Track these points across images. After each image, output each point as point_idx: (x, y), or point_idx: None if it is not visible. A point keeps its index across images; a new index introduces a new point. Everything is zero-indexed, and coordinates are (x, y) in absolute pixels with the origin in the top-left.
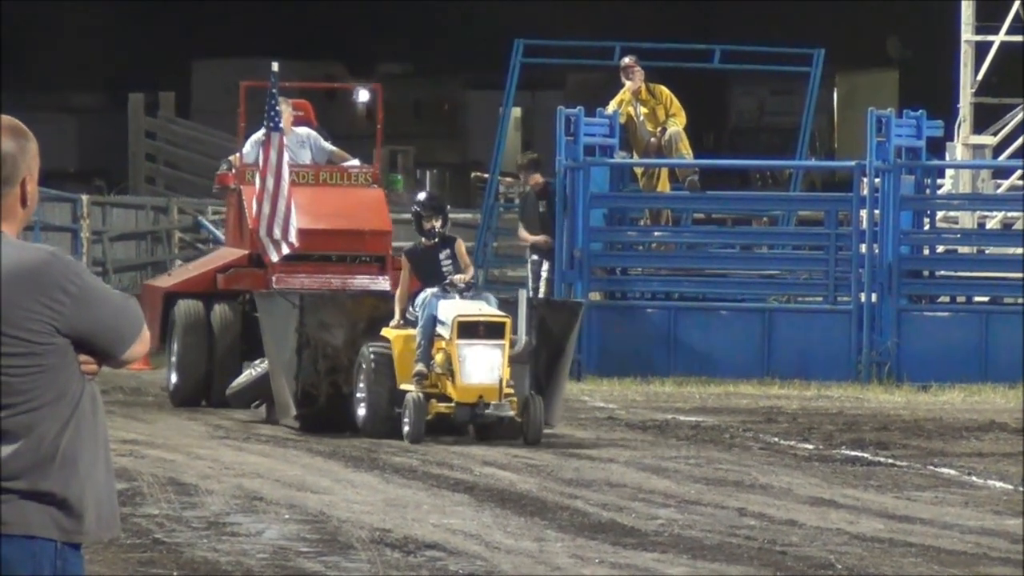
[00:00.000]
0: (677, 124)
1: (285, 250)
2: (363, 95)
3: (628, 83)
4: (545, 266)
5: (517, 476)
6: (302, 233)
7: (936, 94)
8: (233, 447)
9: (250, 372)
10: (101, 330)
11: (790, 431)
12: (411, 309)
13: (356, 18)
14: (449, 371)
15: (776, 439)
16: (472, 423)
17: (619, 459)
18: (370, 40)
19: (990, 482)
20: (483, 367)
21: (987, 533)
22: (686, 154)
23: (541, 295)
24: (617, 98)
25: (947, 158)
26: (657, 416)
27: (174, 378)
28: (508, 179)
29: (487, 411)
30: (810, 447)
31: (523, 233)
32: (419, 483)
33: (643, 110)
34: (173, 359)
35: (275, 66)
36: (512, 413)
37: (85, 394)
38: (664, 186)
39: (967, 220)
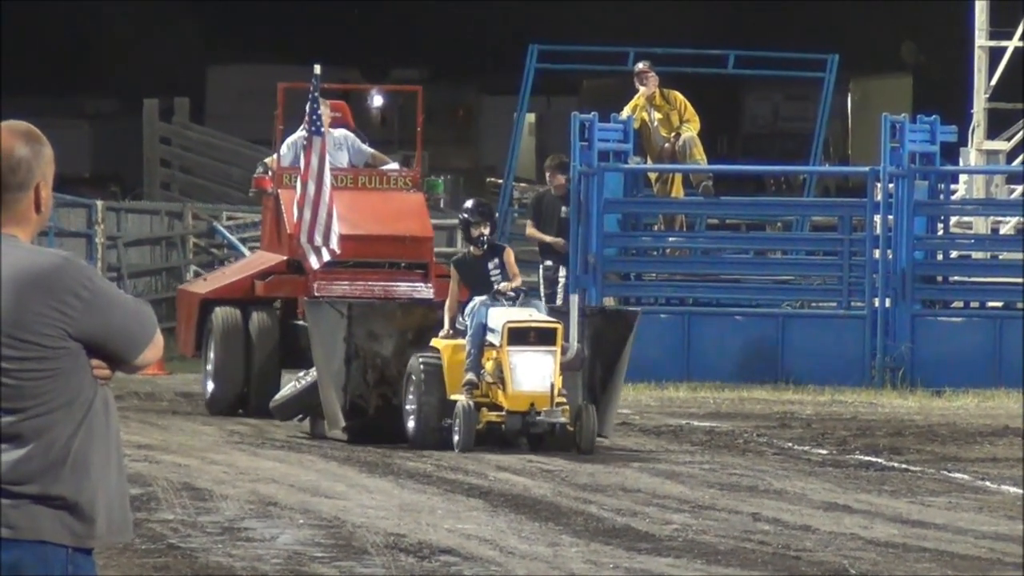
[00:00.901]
0: (691, 129)
1: (326, 257)
2: (377, 100)
3: (642, 88)
4: (562, 271)
5: (531, 481)
6: (342, 239)
7: (950, 99)
8: (248, 452)
9: (294, 384)
10: (113, 334)
11: (804, 436)
12: (460, 319)
13: (370, 23)
14: (500, 379)
15: (790, 444)
16: (524, 432)
17: (633, 464)
18: (384, 45)
19: (1003, 487)
20: (534, 374)
21: (1000, 538)
22: (700, 159)
23: (558, 303)
24: (631, 103)
25: (961, 163)
26: (671, 421)
27: (211, 386)
28: (523, 184)
29: (539, 418)
30: (824, 452)
31: (533, 231)
32: (433, 488)
33: (657, 115)
34: (209, 367)
35: (317, 68)
36: (564, 419)
37: (97, 398)
38: (678, 191)
39: (981, 225)
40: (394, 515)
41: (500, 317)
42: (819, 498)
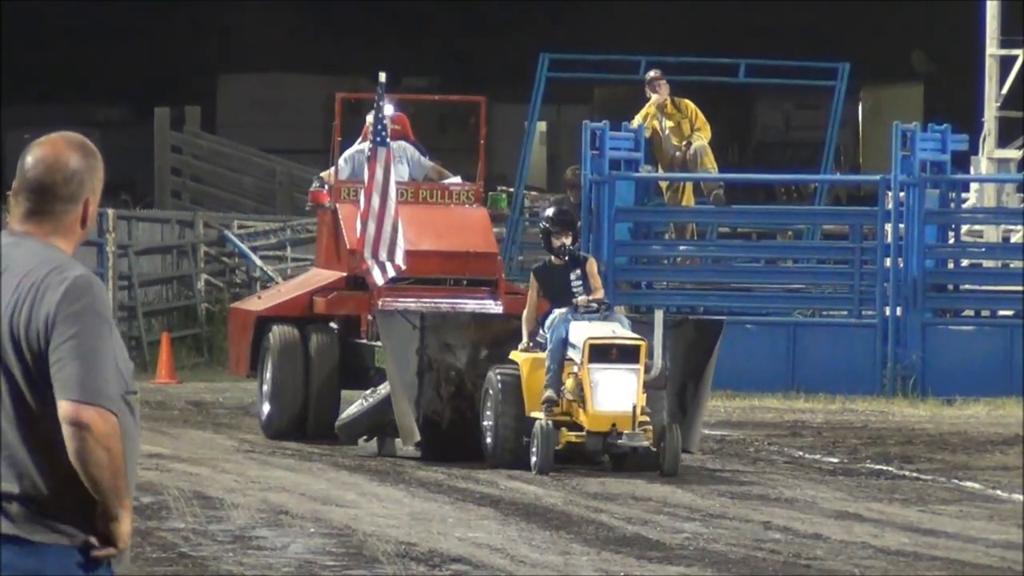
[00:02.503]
0: (702, 138)
1: (391, 272)
2: (388, 109)
3: (653, 97)
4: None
5: (542, 490)
6: (405, 255)
7: (961, 108)
8: (258, 461)
9: (361, 402)
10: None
11: (815, 445)
12: (541, 331)
13: (382, 32)
14: (580, 397)
15: (801, 453)
16: (605, 453)
17: (644, 473)
18: (396, 54)
19: (1015, 496)
20: (616, 393)
21: (1012, 547)
22: (711, 168)
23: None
24: (642, 112)
25: (972, 172)
26: None
27: (267, 409)
28: (533, 193)
29: (619, 441)
30: (835, 461)
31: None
32: (444, 497)
33: (668, 124)
34: (266, 388)
35: (382, 76)
36: (647, 443)
37: None
38: (689, 200)
39: (992, 234)
40: (405, 524)
41: (581, 332)
42: (830, 507)
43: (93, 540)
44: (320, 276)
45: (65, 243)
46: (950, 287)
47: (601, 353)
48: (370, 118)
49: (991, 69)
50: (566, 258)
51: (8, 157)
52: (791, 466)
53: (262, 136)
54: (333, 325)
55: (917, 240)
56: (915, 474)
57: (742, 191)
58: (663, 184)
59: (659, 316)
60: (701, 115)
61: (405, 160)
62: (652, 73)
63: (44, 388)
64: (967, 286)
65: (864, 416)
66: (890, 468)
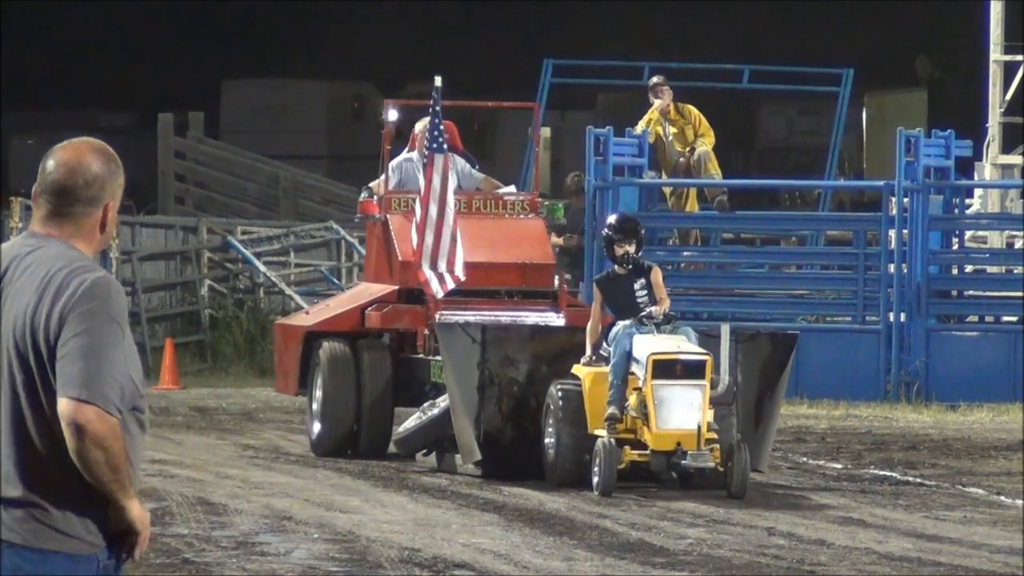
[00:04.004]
0: (706, 144)
1: (450, 284)
2: (392, 115)
3: (657, 102)
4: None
5: (546, 495)
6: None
7: (965, 114)
8: (262, 467)
9: (419, 415)
10: (65, 352)
11: (819, 450)
12: (605, 344)
13: (385, 38)
14: (644, 415)
15: (805, 458)
16: (670, 472)
17: (647, 478)
18: (399, 60)
19: (1019, 501)
20: (681, 411)
21: (1015, 553)
22: (715, 174)
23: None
24: (646, 117)
25: (976, 178)
26: None
27: (317, 427)
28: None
29: (685, 461)
30: (839, 466)
31: (556, 239)
32: (448, 502)
33: (672, 130)
34: (316, 406)
35: (438, 80)
36: (713, 463)
37: None
38: (693, 206)
39: (996, 240)
40: (408, 529)
41: (645, 347)
42: (834, 512)
43: (103, 552)
44: (370, 290)
45: (85, 246)
46: (954, 293)
47: (665, 369)
48: (419, 126)
49: (995, 75)
50: (630, 267)
51: (11, 163)
52: (795, 471)
53: (265, 142)
54: (385, 340)
55: (921, 246)
56: (919, 480)
57: (746, 197)
58: (667, 190)
59: (726, 330)
60: (705, 121)
61: (455, 171)
62: (655, 79)
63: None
64: (971, 292)
65: (868, 422)
66: (894, 474)
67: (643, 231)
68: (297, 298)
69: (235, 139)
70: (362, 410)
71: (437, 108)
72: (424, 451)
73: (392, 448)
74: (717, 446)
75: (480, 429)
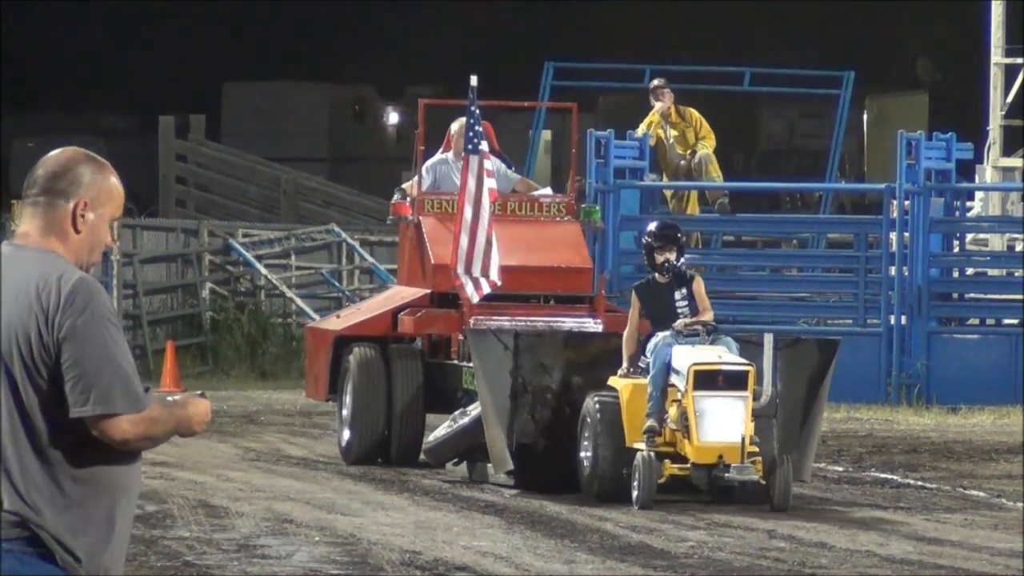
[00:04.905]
0: (707, 147)
1: (486, 288)
2: (393, 117)
3: (657, 105)
4: None
5: (547, 498)
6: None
7: (966, 116)
8: (263, 469)
9: (450, 424)
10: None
11: (820, 453)
12: (643, 356)
13: (386, 41)
14: (684, 427)
15: None
16: (712, 485)
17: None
18: (400, 63)
19: (1019, 504)
20: (723, 423)
21: (1016, 555)
22: (716, 177)
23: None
24: (647, 120)
25: (977, 180)
26: None
27: (347, 434)
28: None
29: (727, 474)
30: (840, 469)
31: None
32: (449, 505)
33: (673, 132)
34: (345, 412)
35: (474, 80)
36: (756, 476)
37: None
38: (694, 209)
39: (996, 242)
40: (410, 532)
41: (685, 357)
42: (835, 515)
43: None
44: (402, 293)
45: (61, 247)
46: (955, 296)
47: (707, 380)
48: (454, 126)
49: (996, 78)
50: (671, 276)
51: (12, 166)
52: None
53: (267, 144)
54: (416, 345)
55: (922, 249)
56: (920, 482)
57: (747, 199)
58: (668, 193)
59: (768, 339)
60: (706, 123)
61: (492, 172)
62: (656, 81)
63: (48, 400)
64: (972, 295)
65: (869, 424)
66: (895, 477)
67: (684, 239)
68: (298, 301)
69: (236, 142)
70: (393, 417)
71: (473, 108)
72: (455, 460)
73: (422, 457)
74: (759, 458)
75: (512, 438)
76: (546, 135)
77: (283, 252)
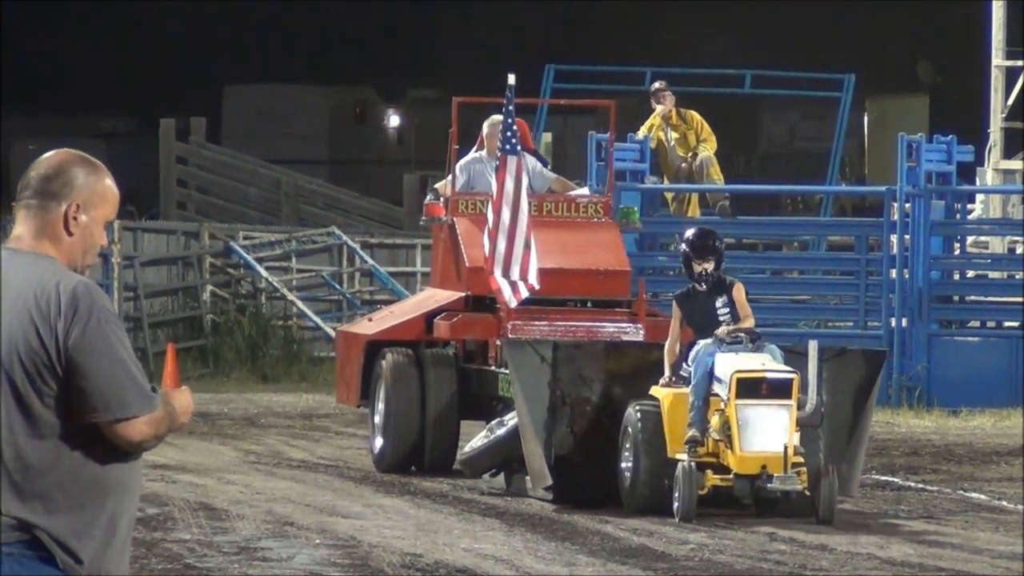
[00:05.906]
0: (708, 149)
1: (524, 293)
2: (394, 120)
3: (658, 107)
4: None
5: (547, 501)
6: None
7: (967, 119)
8: (264, 472)
9: (486, 434)
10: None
11: None
12: (685, 365)
13: (387, 44)
14: (727, 437)
15: None
16: (755, 496)
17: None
18: (401, 65)
19: (1020, 507)
20: (766, 432)
21: (1017, 558)
22: (717, 179)
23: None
24: (647, 123)
25: (977, 183)
26: None
27: (379, 441)
28: None
29: (770, 485)
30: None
31: None
32: (450, 508)
33: (674, 135)
34: (378, 419)
35: (511, 78)
36: (800, 487)
37: None
38: (695, 211)
39: (997, 245)
40: (410, 535)
41: (728, 365)
42: (836, 518)
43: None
44: (436, 296)
45: (54, 250)
46: (956, 298)
47: (750, 388)
48: (487, 125)
49: (997, 80)
50: (709, 285)
51: (13, 168)
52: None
53: (267, 147)
54: (450, 349)
55: (923, 251)
56: (920, 485)
57: (748, 202)
58: (668, 195)
59: (813, 347)
60: (707, 126)
61: (526, 171)
62: (657, 84)
63: (50, 405)
64: (973, 297)
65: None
66: (895, 479)
67: (722, 245)
68: (299, 303)
69: (237, 144)
70: (426, 424)
71: (510, 107)
72: (491, 472)
73: (457, 467)
74: (804, 469)
75: (551, 452)
76: (547, 138)
77: (284, 255)
